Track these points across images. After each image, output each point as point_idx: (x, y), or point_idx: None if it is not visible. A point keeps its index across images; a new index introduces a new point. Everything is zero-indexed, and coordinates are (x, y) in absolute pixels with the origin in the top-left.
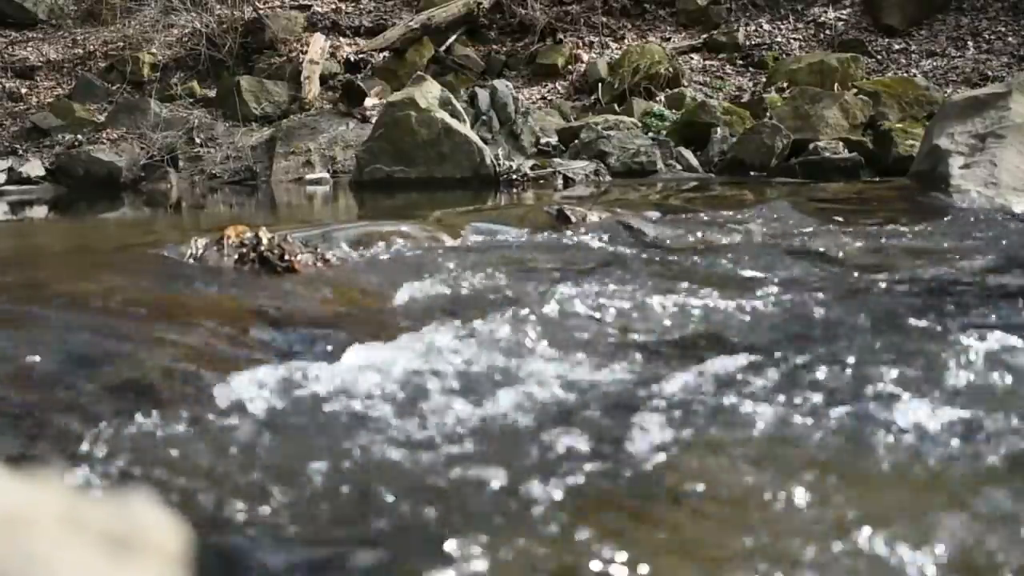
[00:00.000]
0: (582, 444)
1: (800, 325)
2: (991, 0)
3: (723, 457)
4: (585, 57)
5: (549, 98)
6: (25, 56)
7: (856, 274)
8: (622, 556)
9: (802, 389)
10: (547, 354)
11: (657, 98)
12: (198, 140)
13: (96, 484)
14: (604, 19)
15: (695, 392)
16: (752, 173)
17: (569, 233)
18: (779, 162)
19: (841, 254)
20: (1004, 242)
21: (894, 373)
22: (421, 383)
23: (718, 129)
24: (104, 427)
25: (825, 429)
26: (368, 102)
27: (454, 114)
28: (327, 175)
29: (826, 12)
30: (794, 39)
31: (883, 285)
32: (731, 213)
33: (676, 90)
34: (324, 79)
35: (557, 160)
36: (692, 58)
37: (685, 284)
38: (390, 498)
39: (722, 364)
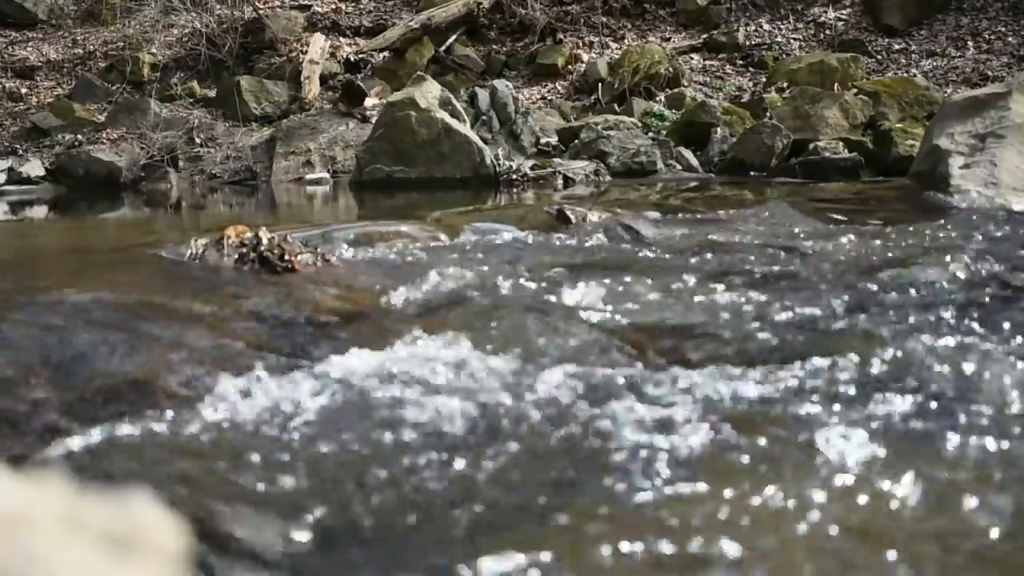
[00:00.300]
0: (582, 444)
1: (800, 325)
2: (991, 0)
3: (723, 457)
4: (585, 57)
5: (549, 98)
6: (25, 56)
7: (856, 274)
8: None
9: (806, 391)
10: (547, 354)
11: (657, 98)
12: (198, 140)
13: (96, 484)
14: (604, 19)
15: (695, 392)
16: (752, 173)
17: (569, 233)
18: (779, 162)
19: (841, 254)
20: (1005, 242)
21: (894, 373)
22: (421, 383)
23: (718, 129)
24: (104, 427)
25: (825, 429)
26: (368, 102)
27: (454, 114)
28: (327, 175)
29: (826, 12)
30: (794, 39)
31: (883, 285)
32: (731, 213)
33: (676, 90)
34: (324, 79)
35: (557, 160)
36: (692, 58)
37: (685, 284)
38: (390, 498)
39: (722, 364)
